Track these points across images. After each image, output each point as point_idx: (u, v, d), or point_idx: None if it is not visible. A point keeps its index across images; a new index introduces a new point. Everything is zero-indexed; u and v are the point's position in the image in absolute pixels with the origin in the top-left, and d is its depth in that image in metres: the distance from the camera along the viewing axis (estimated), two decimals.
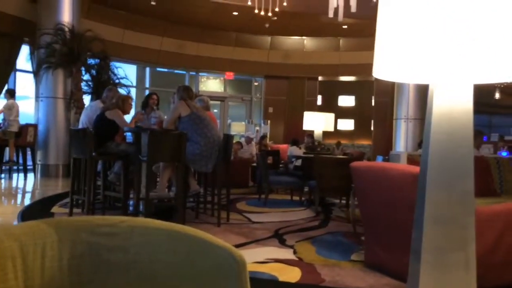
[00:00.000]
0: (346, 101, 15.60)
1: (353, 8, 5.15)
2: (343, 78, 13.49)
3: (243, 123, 13.61)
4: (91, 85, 8.59)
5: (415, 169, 2.37)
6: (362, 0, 5.05)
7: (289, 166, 7.16)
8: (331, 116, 9.35)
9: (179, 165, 3.95)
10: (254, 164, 7.65)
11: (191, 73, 12.87)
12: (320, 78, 13.19)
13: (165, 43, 11.16)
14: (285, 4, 5.78)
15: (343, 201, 5.70)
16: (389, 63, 1.26)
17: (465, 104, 1.31)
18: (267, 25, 9.53)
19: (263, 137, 9.76)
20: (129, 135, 5.27)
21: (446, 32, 1.14)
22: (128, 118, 4.96)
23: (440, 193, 1.32)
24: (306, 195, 6.04)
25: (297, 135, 9.84)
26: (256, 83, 13.72)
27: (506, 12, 1.13)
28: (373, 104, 13.00)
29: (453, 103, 1.31)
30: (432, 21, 1.16)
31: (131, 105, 5.04)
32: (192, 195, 4.55)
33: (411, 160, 3.76)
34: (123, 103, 4.67)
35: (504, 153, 6.68)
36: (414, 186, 1.61)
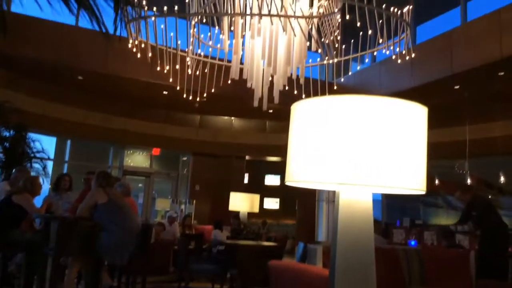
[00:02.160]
0: (272, 180, 16.00)
1: (276, 100, 5.46)
2: (270, 158, 13.94)
3: (169, 198, 13.27)
4: (3, 159, 7.96)
5: (326, 272, 2.44)
6: (283, 92, 5.38)
7: (212, 250, 6.97)
8: (256, 197, 9.43)
9: (90, 259, 3.66)
10: (176, 247, 7.34)
11: (116, 147, 12.53)
12: (247, 157, 13.50)
13: (90, 117, 10.88)
14: (213, 90, 5.99)
15: None
16: (301, 172, 1.43)
17: (365, 210, 1.47)
18: (196, 105, 9.75)
19: (187, 216, 9.51)
20: (38, 220, 4.85)
21: (348, 151, 1.32)
22: (39, 199, 4.61)
23: None
24: (229, 283, 5.85)
25: (223, 215, 9.74)
26: (184, 158, 13.67)
27: (393, 139, 1.33)
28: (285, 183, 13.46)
29: (355, 211, 1.47)
30: (337, 142, 1.34)
31: (41, 185, 4.71)
32: None
33: (327, 253, 3.85)
34: (32, 186, 4.35)
35: (412, 242, 7.12)
36: None
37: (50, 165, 10.27)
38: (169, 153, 13.60)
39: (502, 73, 7.34)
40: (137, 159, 13.72)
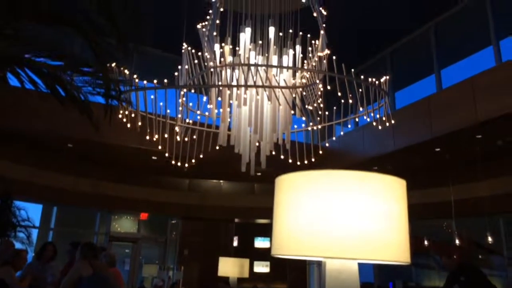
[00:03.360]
0: (262, 243, 15.71)
1: (263, 165, 5.57)
2: (259, 221, 13.81)
3: (156, 264, 12.86)
4: None
5: None
6: (270, 157, 5.51)
7: None
8: (246, 261, 9.21)
9: None
10: None
11: (103, 212, 12.35)
12: (236, 220, 13.37)
13: (79, 183, 10.82)
14: (201, 156, 6.12)
15: None
16: (286, 246, 1.47)
17: (352, 279, 1.50)
18: (185, 170, 9.83)
19: (174, 284, 9.21)
20: None
21: (332, 225, 1.37)
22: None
23: None
24: None
25: (212, 281, 9.45)
26: (173, 221, 13.46)
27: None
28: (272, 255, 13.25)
29: (341, 280, 1.49)
30: (320, 216, 1.40)
31: (26, 259, 4.62)
32: None
33: None
34: (17, 259, 4.27)
35: None
36: None
37: (35, 233, 10.02)
38: (157, 217, 13.41)
39: (479, 136, 7.65)
40: (125, 224, 13.47)
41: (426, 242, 9.37)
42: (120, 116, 5.10)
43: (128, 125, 5.12)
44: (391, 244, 1.40)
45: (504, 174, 8.94)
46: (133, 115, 5.26)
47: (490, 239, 8.81)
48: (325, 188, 1.43)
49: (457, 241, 8.62)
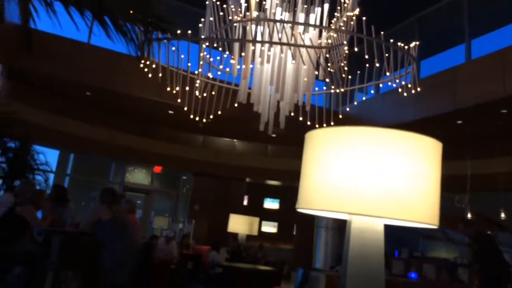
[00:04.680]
0: (271, 204, 15.95)
1: (282, 125, 5.53)
2: (270, 182, 13.95)
3: (167, 217, 13.21)
4: (6, 170, 7.98)
5: None
6: (288, 118, 5.46)
7: (210, 272, 6.92)
8: (256, 220, 9.40)
9: (91, 276, 3.66)
10: (173, 266, 7.27)
11: (118, 162, 12.58)
12: (247, 179, 13.52)
13: (96, 132, 10.96)
14: (219, 112, 6.07)
15: None
16: (315, 200, 1.45)
17: (377, 241, 1.47)
18: (200, 126, 9.84)
19: (185, 236, 9.46)
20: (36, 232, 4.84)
21: (362, 181, 1.34)
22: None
23: None
24: None
25: (221, 236, 9.69)
26: (184, 177, 13.68)
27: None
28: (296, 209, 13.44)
29: (366, 241, 1.47)
30: (352, 172, 1.36)
31: (46, 200, 4.74)
32: None
33: (330, 282, 3.85)
34: (38, 199, 4.38)
35: (413, 275, 7.07)
36: None
37: (51, 178, 10.27)
38: (170, 172, 13.63)
39: (504, 111, 7.45)
40: (138, 176, 13.74)
41: None
42: (141, 65, 5.04)
43: (150, 75, 5.06)
44: (421, 206, 1.37)
45: None
46: (154, 66, 5.20)
47: (503, 214, 8.79)
48: (358, 144, 1.39)
49: (469, 215, 8.61)
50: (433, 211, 1.40)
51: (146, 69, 5.26)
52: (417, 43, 5.12)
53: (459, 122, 8.30)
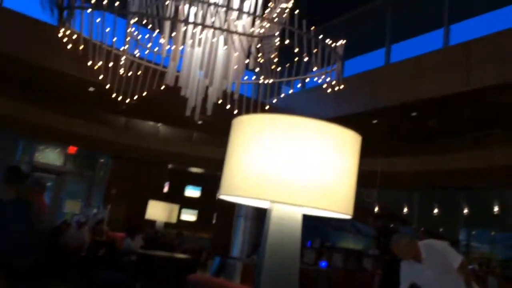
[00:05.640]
0: (193, 191, 15.80)
1: (209, 112, 5.46)
2: (193, 169, 13.79)
3: (79, 201, 12.47)
4: None
5: None
6: (216, 106, 5.41)
7: (124, 259, 6.66)
8: (176, 207, 9.24)
9: None
10: (84, 254, 6.88)
11: (26, 140, 11.55)
12: (170, 165, 13.22)
13: (0, 104, 9.93)
14: (144, 94, 5.83)
15: None
16: (237, 186, 1.43)
17: (295, 230, 1.51)
18: (124, 107, 9.37)
19: (99, 222, 9.01)
20: None
21: (285, 170, 1.35)
22: None
23: None
24: None
25: (139, 223, 9.38)
26: (102, 160, 12.98)
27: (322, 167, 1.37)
28: (217, 198, 13.47)
29: (285, 229, 1.49)
30: (275, 160, 1.37)
31: None
32: None
33: (246, 269, 3.90)
34: None
35: (323, 263, 7.46)
36: None
37: None
38: (86, 153, 12.84)
39: (414, 114, 8.11)
40: (50, 156, 12.74)
41: None
42: (60, 35, 4.65)
43: (69, 46, 4.68)
44: (339, 196, 1.41)
45: (425, 153, 9.65)
46: (74, 37, 4.81)
47: (406, 210, 9.61)
48: (283, 132, 1.40)
49: (376, 209, 9.28)
50: (349, 202, 1.46)
51: (65, 40, 4.86)
52: (344, 41, 5.34)
53: (375, 121, 8.87)
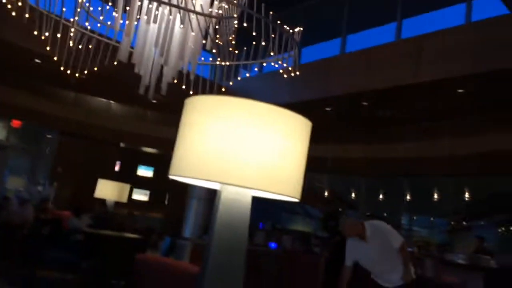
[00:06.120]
0: (145, 171, 15.53)
1: (164, 91, 5.36)
2: (146, 149, 13.52)
3: (23, 177, 11.90)
4: None
5: (194, 268, 2.52)
6: (171, 85, 5.33)
7: (70, 238, 6.49)
8: (126, 187, 9.02)
9: None
10: (26, 231, 6.62)
11: None
12: (122, 144, 12.89)
13: None
14: (95, 68, 5.62)
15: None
16: (187, 167, 1.43)
17: (243, 211, 1.53)
18: (73, 81, 8.96)
19: (45, 199, 8.67)
20: None
21: (234, 152, 1.37)
22: None
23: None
24: (84, 274, 5.51)
25: (86, 202, 9.12)
26: (49, 136, 12.42)
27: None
28: (170, 179, 13.33)
29: (234, 211, 1.52)
30: (225, 142, 1.39)
31: None
32: None
33: (196, 250, 3.95)
34: None
35: (272, 244, 7.66)
36: (192, 285, 1.71)
37: None
38: (32, 128, 12.22)
39: (365, 103, 8.40)
40: None
41: None
42: (4, 1, 4.35)
43: (13, 14, 4.40)
44: (287, 180, 1.44)
45: (375, 141, 10.06)
46: (20, 3, 4.52)
47: (353, 194, 10.00)
48: (234, 114, 1.41)
49: (325, 194, 9.59)
50: (297, 185, 1.49)
51: (9, 6, 4.56)
52: (301, 29, 5.40)
53: (328, 109, 9.10)
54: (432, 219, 11.82)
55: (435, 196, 9.62)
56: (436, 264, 6.68)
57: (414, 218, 11.76)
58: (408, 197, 9.97)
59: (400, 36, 8.39)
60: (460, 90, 7.36)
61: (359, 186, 10.78)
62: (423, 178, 10.68)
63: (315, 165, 10.71)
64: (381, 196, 10.52)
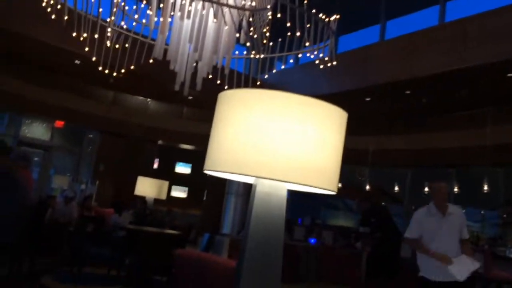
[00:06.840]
0: (183, 168, 15.74)
1: (199, 87, 5.34)
2: (183, 146, 13.69)
3: (68, 176, 12.35)
4: None
5: (232, 263, 2.46)
6: (206, 81, 5.29)
7: (113, 235, 6.62)
8: (165, 184, 9.15)
9: None
10: (72, 228, 6.82)
11: (12, 114, 11.31)
12: (160, 142, 13.10)
13: None
14: (132, 67, 5.66)
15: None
16: (221, 161, 1.40)
17: (279, 205, 1.49)
18: (111, 80, 9.15)
19: (88, 197, 8.93)
20: None
21: (269, 145, 1.33)
22: None
23: (252, 281, 1.42)
24: (127, 270, 5.62)
25: (127, 199, 9.32)
26: (90, 135, 12.81)
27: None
28: (207, 175, 13.43)
29: (269, 205, 1.48)
30: (259, 136, 1.34)
31: None
32: None
33: (234, 245, 3.88)
34: None
35: (312, 240, 7.51)
36: (231, 279, 1.68)
37: None
38: (74, 128, 12.64)
39: (408, 92, 8.04)
40: (36, 130, 12.53)
41: (339, 185, 10.04)
42: (44, 3, 4.44)
43: (53, 16, 4.48)
44: (322, 172, 1.39)
45: (417, 132, 9.64)
46: (59, 6, 4.61)
47: (396, 188, 9.65)
48: (268, 107, 1.37)
49: (367, 187, 9.31)
50: (333, 178, 1.44)
51: (49, 9, 4.65)
52: (337, 16, 5.20)
53: (368, 99, 8.80)
54: (482, 212, 11.24)
55: (485, 187, 9.11)
56: (487, 259, 6.34)
57: (463, 211, 11.23)
58: (456, 189, 9.50)
59: (444, 19, 7.95)
60: (510, 74, 6.90)
61: (402, 178, 10.40)
62: (470, 169, 10.17)
63: (357, 157, 10.47)
64: (426, 189, 10.10)
